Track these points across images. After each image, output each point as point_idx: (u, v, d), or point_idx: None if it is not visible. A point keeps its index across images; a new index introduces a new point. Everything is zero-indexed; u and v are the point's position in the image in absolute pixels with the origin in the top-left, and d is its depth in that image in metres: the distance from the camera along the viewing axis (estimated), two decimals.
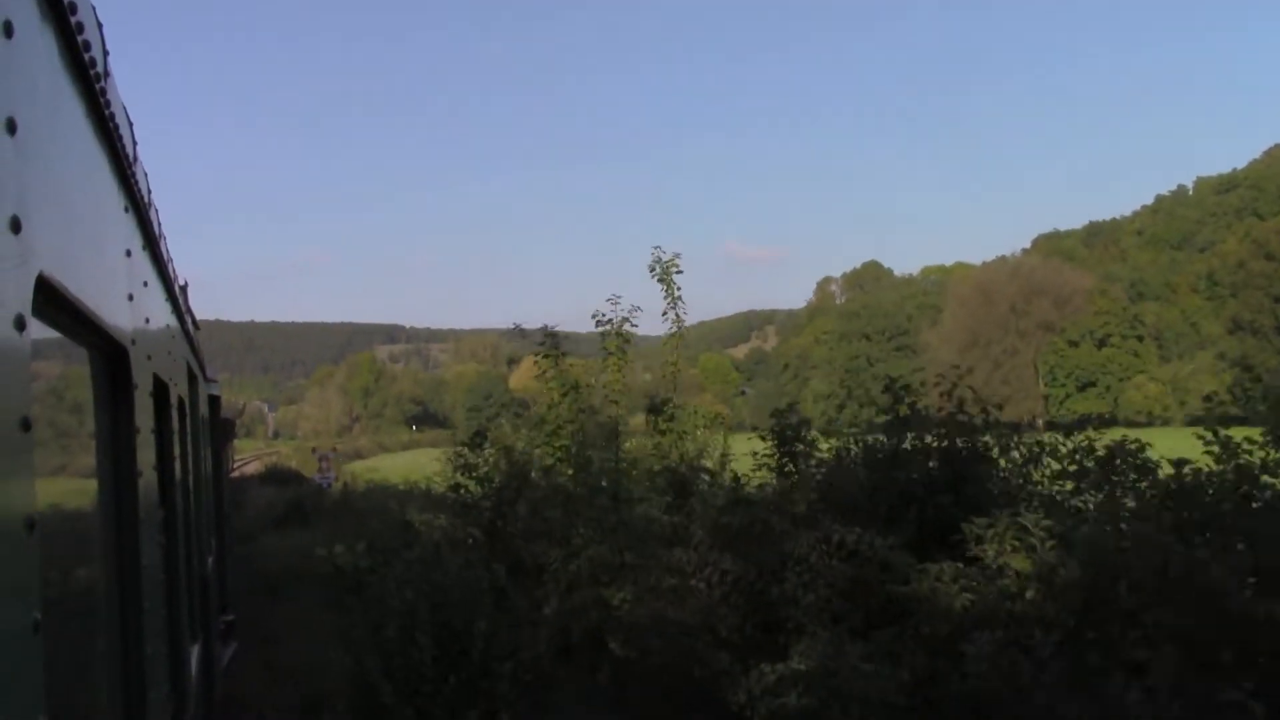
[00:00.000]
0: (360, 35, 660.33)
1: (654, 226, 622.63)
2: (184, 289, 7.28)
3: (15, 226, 1.57)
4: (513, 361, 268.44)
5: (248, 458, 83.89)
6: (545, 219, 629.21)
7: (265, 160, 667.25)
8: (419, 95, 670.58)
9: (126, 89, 3.25)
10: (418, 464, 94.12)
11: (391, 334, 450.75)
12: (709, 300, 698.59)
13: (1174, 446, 11.45)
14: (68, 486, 2.34)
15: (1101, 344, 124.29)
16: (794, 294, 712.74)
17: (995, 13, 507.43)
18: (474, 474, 17.27)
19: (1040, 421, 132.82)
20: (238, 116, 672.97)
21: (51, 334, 2.07)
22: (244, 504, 41.00)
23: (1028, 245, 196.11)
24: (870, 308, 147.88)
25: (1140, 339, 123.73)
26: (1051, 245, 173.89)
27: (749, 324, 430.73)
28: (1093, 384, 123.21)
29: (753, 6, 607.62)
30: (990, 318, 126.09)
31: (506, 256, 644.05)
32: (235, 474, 47.61)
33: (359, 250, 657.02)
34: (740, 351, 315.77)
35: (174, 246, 6.00)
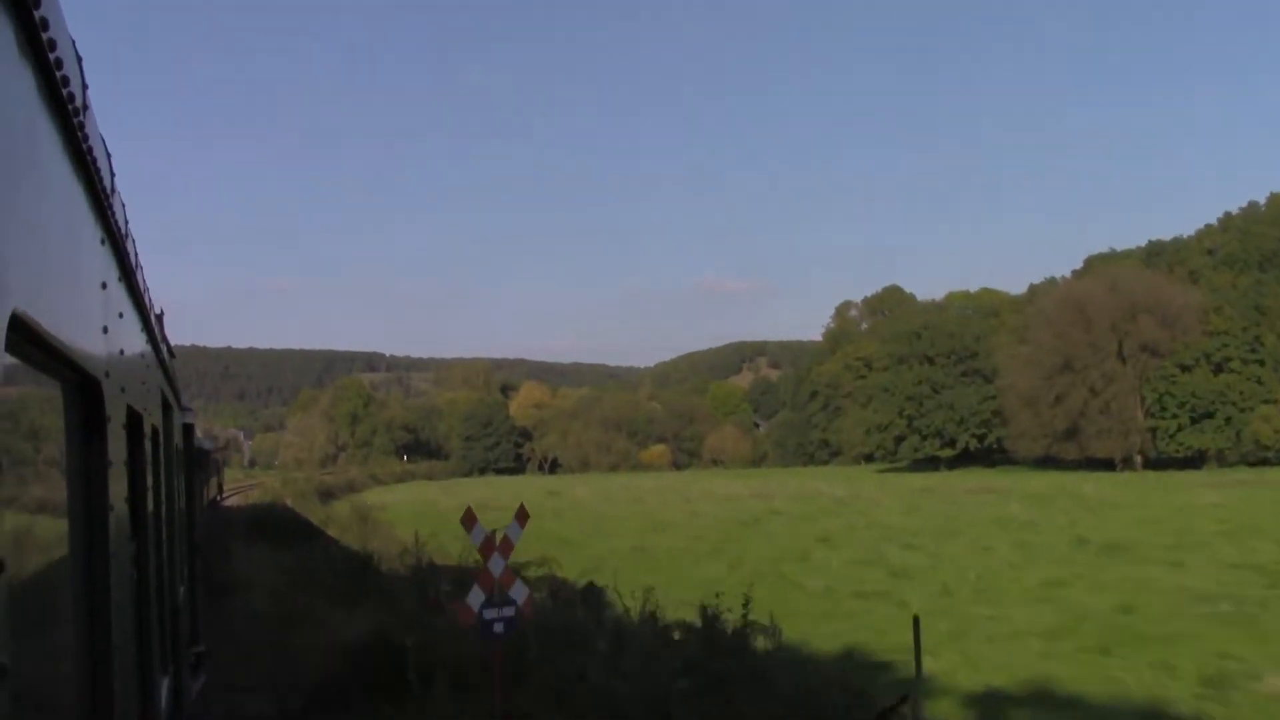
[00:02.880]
0: (339, 62, 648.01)
1: (630, 259, 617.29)
2: (160, 318, 7.25)
3: None
4: (508, 388, 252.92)
5: (228, 491, 67.48)
6: (524, 249, 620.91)
7: (242, 186, 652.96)
8: (396, 124, 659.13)
9: (106, 117, 3.26)
10: (426, 499, 76.74)
11: (371, 362, 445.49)
12: (693, 334, 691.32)
13: None
14: (38, 523, 2.31)
15: (1219, 369, 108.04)
16: (780, 325, 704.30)
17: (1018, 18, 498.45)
18: None
19: (1139, 459, 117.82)
20: (216, 142, 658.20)
21: (24, 369, 2.06)
22: (231, 580, 24.14)
23: (1079, 266, 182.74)
24: (933, 328, 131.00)
25: (1262, 363, 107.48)
26: (1110, 264, 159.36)
27: (739, 355, 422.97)
28: (1210, 415, 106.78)
29: (733, 35, 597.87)
30: (1085, 338, 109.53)
31: (486, 286, 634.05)
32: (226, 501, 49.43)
33: (338, 277, 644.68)
34: (738, 382, 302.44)
35: (150, 273, 5.77)
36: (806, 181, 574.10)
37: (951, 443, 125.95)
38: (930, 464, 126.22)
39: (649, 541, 50.04)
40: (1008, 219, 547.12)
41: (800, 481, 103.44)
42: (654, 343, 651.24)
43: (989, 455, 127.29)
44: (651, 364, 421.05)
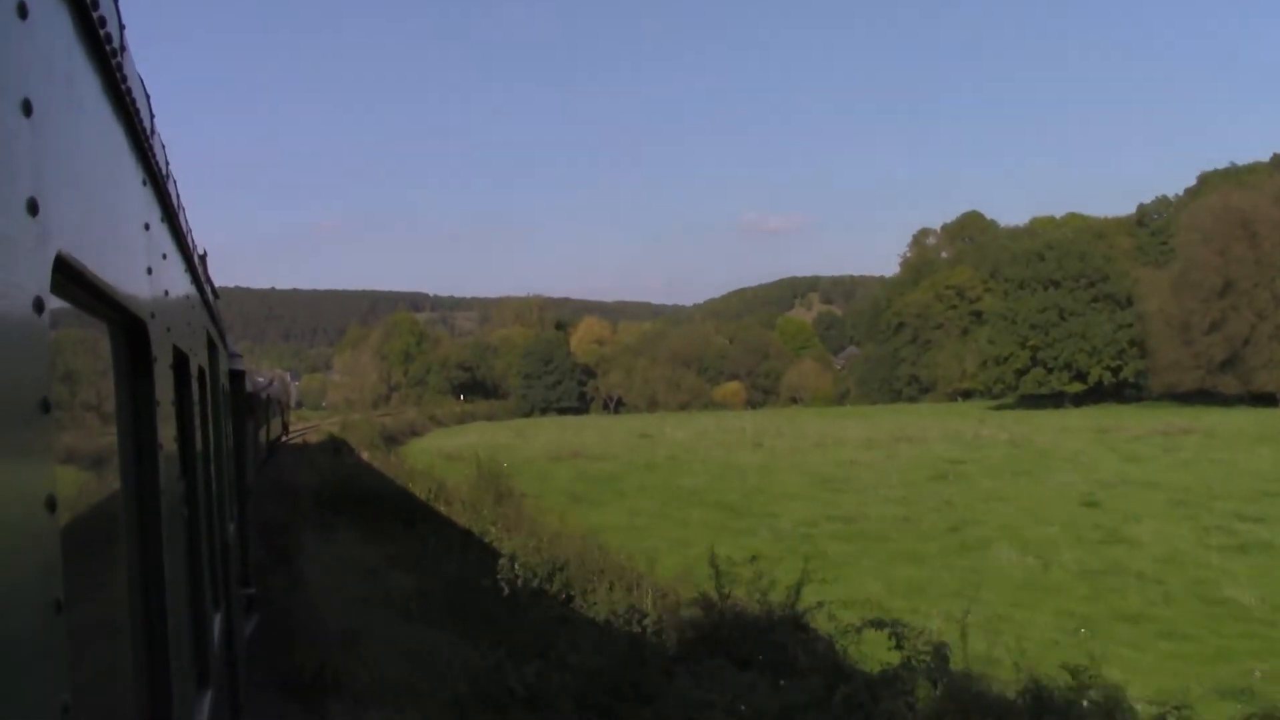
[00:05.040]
0: (382, 3, 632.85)
1: (669, 197, 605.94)
2: (203, 259, 7.13)
3: (33, 208, 1.59)
4: (561, 325, 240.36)
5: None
6: (566, 189, 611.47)
7: (285, 128, 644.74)
8: (437, 64, 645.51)
9: (146, 60, 3.26)
10: (499, 444, 64.89)
11: (415, 301, 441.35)
12: (736, 271, 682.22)
13: None
14: (89, 463, 2.35)
15: None
16: (826, 260, 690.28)
17: None
18: None
19: None
20: (259, 85, 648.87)
21: (71, 311, 2.11)
22: (306, 639, 12.01)
23: (1192, 183, 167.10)
24: (1058, 248, 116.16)
25: None
26: (1230, 181, 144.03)
27: (791, 290, 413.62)
28: None
29: None
30: (1251, 255, 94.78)
31: (528, 226, 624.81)
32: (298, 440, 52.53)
33: (381, 217, 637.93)
34: (797, 317, 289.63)
35: (194, 216, 5.80)
36: (846, 115, 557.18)
37: (1081, 376, 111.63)
38: (1051, 400, 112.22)
39: (840, 508, 37.42)
40: (1060, 144, 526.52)
41: (927, 421, 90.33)
42: (697, 281, 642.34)
43: (1119, 390, 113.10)
44: (697, 301, 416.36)
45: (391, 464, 37.20)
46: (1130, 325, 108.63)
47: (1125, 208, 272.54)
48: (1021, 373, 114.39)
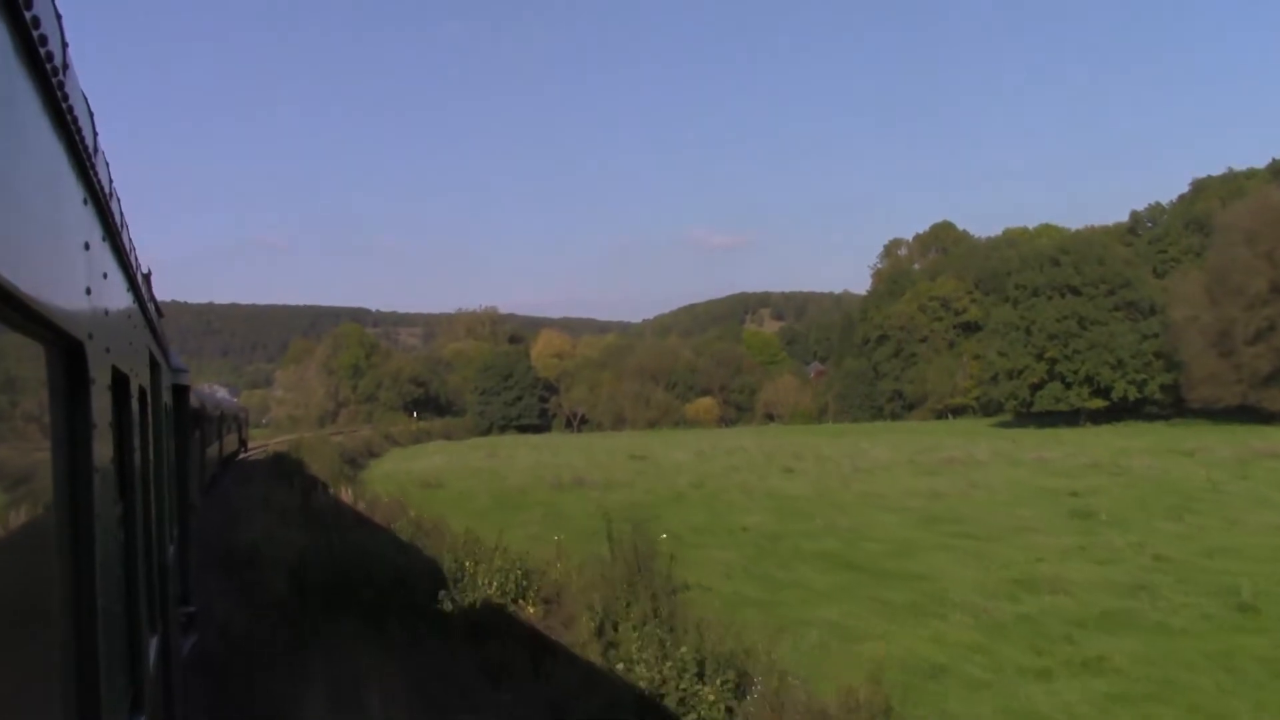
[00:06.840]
0: (322, 18, 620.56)
1: (613, 213, 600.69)
2: (147, 278, 7.07)
3: None
4: (515, 339, 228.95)
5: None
6: (508, 205, 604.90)
7: (221, 139, 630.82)
8: (379, 77, 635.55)
9: (86, 74, 3.17)
10: (476, 468, 53.75)
11: (357, 317, 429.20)
12: (682, 288, 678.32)
13: None
14: (18, 486, 2.32)
15: None
16: (776, 276, 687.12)
17: None
18: None
19: None
20: (197, 96, 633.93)
21: (3, 332, 2.10)
22: None
23: (1185, 190, 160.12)
24: (1075, 252, 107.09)
25: None
26: (1228, 187, 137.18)
27: (742, 306, 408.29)
28: None
29: None
30: None
31: (470, 242, 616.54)
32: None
33: (322, 232, 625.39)
34: (761, 331, 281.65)
35: (133, 230, 5.50)
36: (792, 130, 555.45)
37: (1102, 391, 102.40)
38: (1064, 418, 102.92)
39: (1011, 566, 27.05)
40: (1015, 156, 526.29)
41: (943, 439, 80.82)
42: (643, 297, 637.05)
43: (1139, 407, 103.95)
44: (643, 318, 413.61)
45: (397, 514, 25.95)
46: (1156, 335, 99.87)
47: (1098, 218, 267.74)
48: (1036, 387, 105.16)
